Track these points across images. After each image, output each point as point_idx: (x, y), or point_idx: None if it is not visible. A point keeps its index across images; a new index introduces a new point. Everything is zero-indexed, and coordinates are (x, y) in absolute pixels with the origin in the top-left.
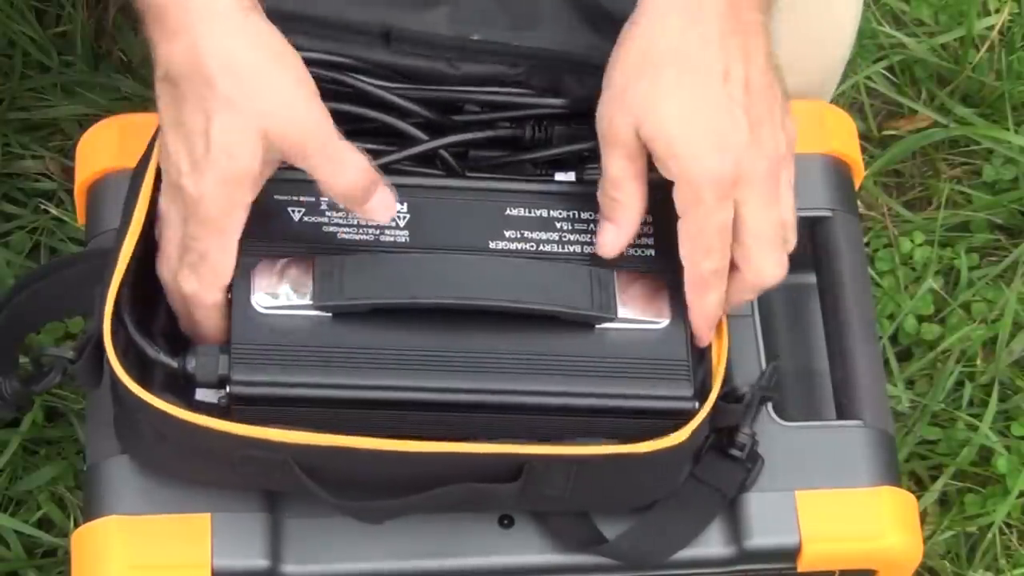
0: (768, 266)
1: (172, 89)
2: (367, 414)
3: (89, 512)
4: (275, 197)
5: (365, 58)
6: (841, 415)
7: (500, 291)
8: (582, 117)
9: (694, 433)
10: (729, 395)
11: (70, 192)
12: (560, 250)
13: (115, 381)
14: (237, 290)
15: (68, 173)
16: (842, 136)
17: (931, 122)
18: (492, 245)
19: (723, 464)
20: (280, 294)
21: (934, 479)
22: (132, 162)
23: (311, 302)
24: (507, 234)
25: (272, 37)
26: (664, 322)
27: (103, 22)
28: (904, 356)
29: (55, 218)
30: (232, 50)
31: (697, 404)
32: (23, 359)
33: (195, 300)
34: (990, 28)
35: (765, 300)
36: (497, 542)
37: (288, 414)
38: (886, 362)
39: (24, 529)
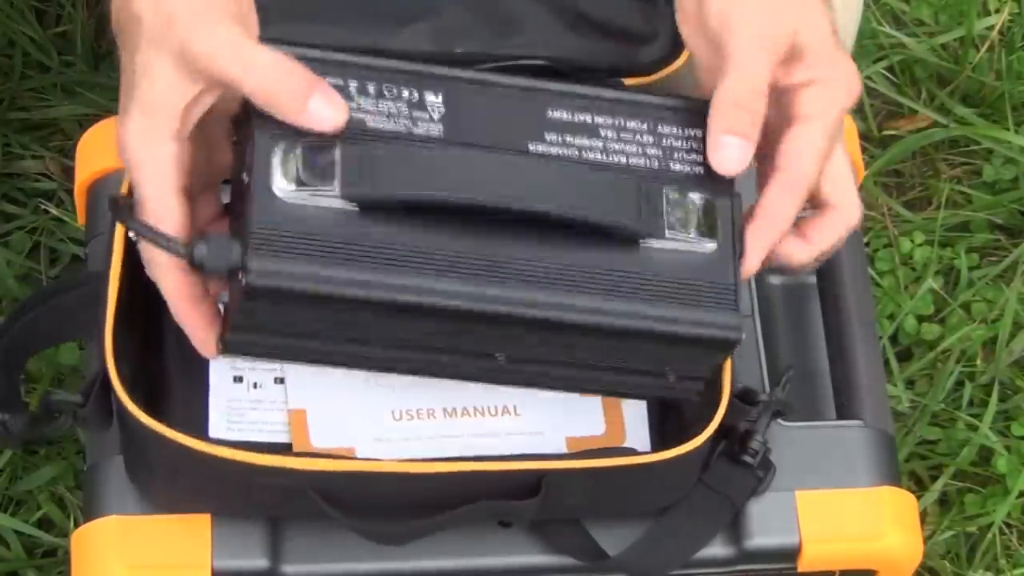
0: (856, 200)
1: (119, 39)
2: (388, 320)
3: (89, 512)
4: None
5: None
6: (841, 415)
7: (543, 197)
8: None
9: (711, 437)
10: (745, 396)
11: (70, 192)
12: (603, 159)
13: (126, 418)
14: (257, 172)
15: (68, 173)
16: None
17: (931, 122)
18: (532, 147)
19: (734, 471)
20: (304, 180)
21: (934, 479)
22: None
23: (337, 191)
24: (548, 137)
25: None
26: (712, 245)
27: (103, 22)
28: (904, 356)
29: (55, 218)
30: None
31: (743, 335)
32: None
33: (151, 265)
34: (990, 28)
35: (765, 300)
36: (497, 542)
37: (304, 314)
38: (886, 362)
39: (24, 529)
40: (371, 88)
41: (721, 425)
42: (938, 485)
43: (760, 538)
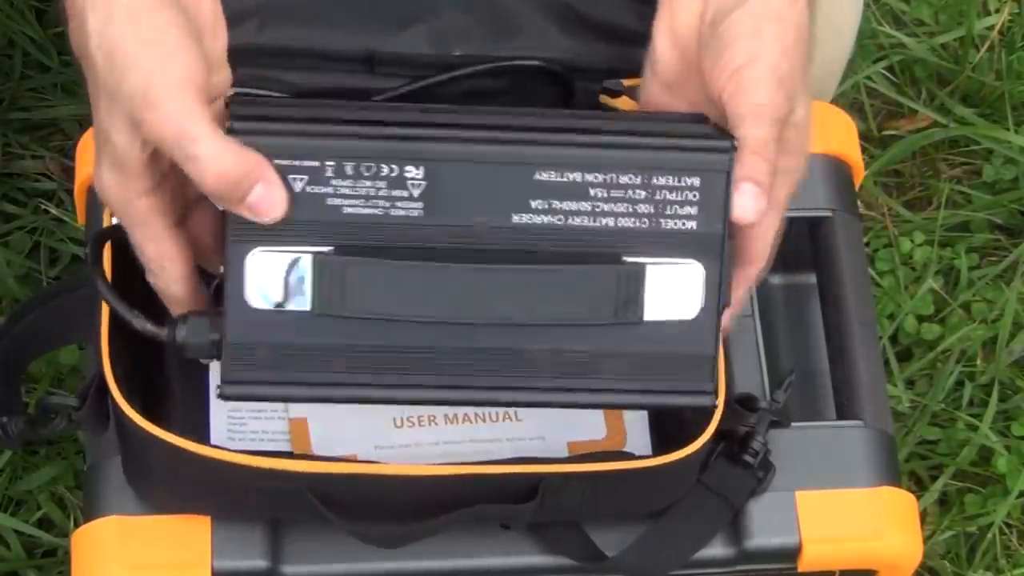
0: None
1: (81, 64)
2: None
3: (89, 512)
4: (275, 162)
5: (350, 86)
6: (841, 415)
7: (514, 306)
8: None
9: (708, 441)
10: (745, 402)
11: (70, 192)
12: (591, 223)
13: (123, 422)
14: (231, 280)
15: (68, 173)
16: (842, 136)
17: (931, 122)
18: (515, 219)
19: (734, 471)
20: (276, 294)
21: (934, 479)
22: None
23: (308, 309)
24: (533, 204)
25: (156, 21)
26: (694, 312)
27: None
28: (904, 356)
29: (55, 218)
30: (110, 33)
31: (716, 403)
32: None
33: (166, 299)
34: (990, 28)
35: (765, 300)
36: (495, 543)
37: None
38: (886, 362)
39: (24, 529)
40: (348, 169)
41: (719, 428)
42: (938, 485)
43: (760, 538)
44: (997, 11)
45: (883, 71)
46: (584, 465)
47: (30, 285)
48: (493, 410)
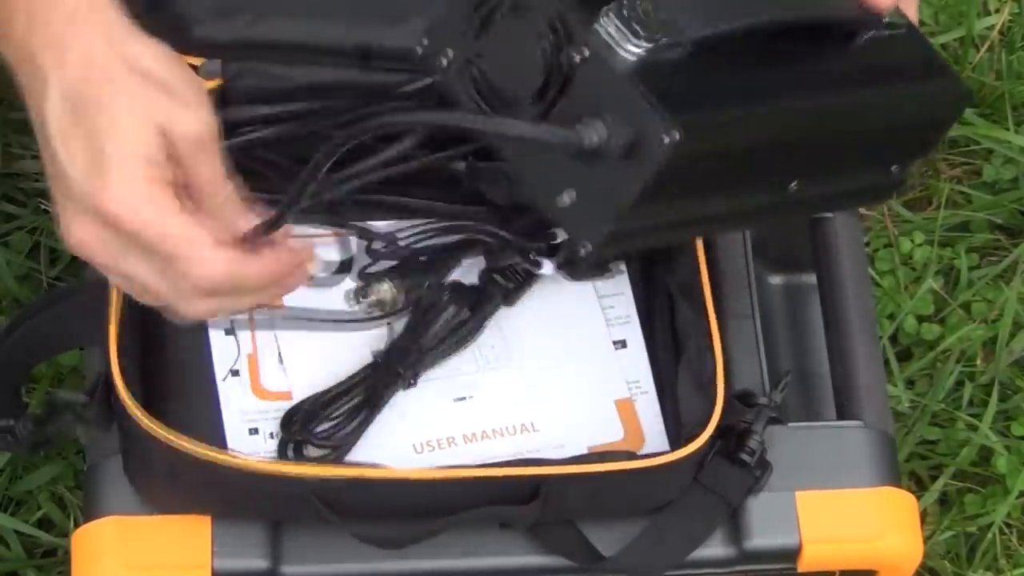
0: None
1: (65, 105)
2: (763, 150)
3: (89, 512)
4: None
5: (340, 81)
6: (841, 415)
7: (805, 6)
8: None
9: (710, 438)
10: (743, 397)
11: None
12: None
13: (127, 419)
14: (598, 46)
15: None
16: None
17: None
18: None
19: (731, 470)
20: (647, 35)
21: (934, 479)
22: None
23: (677, 38)
24: None
25: (158, 41)
26: (902, 26)
27: None
28: (904, 356)
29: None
30: (129, 50)
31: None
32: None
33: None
34: (990, 28)
35: (765, 300)
36: (494, 544)
37: (693, 173)
38: (886, 362)
39: (24, 529)
40: None
41: (718, 425)
42: (938, 485)
43: (760, 538)
44: (997, 11)
45: None
46: (584, 466)
47: (30, 285)
48: (511, 425)
